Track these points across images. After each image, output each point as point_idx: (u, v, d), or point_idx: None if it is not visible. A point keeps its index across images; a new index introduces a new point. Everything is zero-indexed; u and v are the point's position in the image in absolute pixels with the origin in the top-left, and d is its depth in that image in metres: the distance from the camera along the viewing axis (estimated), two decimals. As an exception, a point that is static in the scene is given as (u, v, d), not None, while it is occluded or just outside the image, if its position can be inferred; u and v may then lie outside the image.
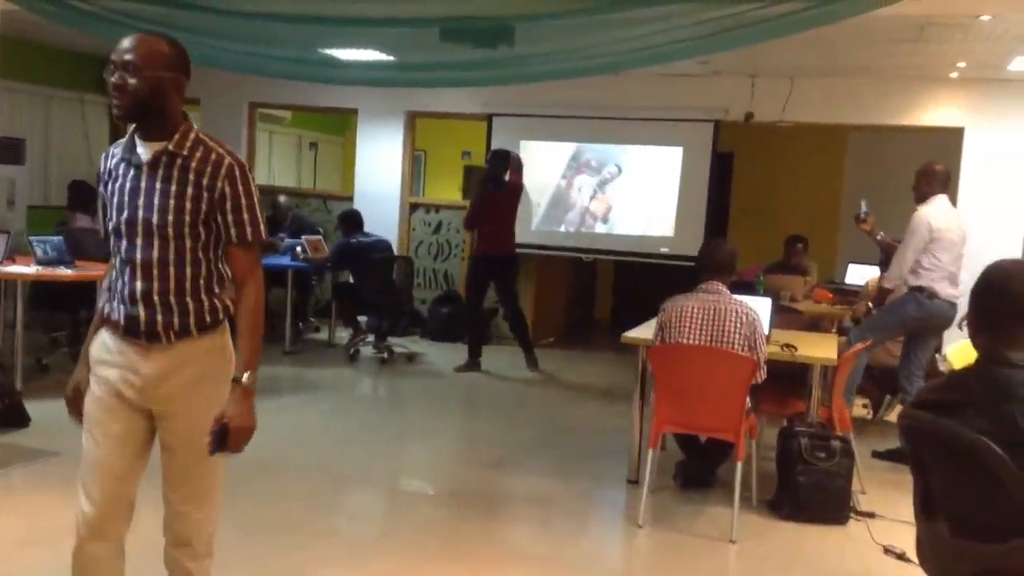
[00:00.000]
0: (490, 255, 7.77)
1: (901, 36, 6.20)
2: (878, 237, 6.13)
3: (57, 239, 6.62)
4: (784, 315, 5.87)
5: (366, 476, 5.10)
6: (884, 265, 6.29)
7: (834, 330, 6.54)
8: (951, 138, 7.91)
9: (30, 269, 6.23)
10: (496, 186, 7.78)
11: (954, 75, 7.52)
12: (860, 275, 7.98)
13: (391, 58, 5.34)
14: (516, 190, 7.93)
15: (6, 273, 6.05)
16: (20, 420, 5.27)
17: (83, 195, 8.20)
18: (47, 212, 8.86)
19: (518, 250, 8.97)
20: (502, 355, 8.75)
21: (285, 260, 8.11)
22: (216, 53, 5.11)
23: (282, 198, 9.19)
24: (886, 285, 5.70)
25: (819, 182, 10.31)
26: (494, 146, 9.02)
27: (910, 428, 2.16)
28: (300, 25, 4.64)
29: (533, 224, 8.96)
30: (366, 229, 8.07)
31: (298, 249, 8.10)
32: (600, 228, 8.84)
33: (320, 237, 8.40)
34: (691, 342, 4.38)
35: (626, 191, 8.75)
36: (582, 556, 4.09)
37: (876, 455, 5.52)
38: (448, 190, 12.50)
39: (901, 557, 3.97)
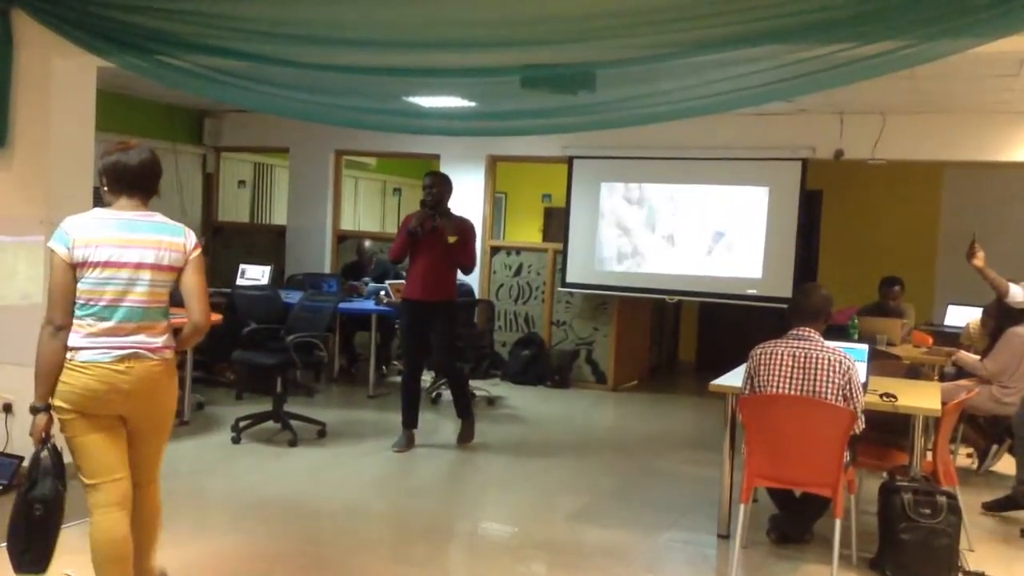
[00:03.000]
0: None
1: (999, 72, 5.98)
2: (990, 274, 5.77)
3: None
4: (881, 361, 5.63)
5: (447, 525, 5.03)
6: (993, 312, 5.96)
7: (936, 377, 6.25)
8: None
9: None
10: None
11: (1054, 109, 7.21)
12: (960, 316, 7.65)
13: (473, 104, 5.37)
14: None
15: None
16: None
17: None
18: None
19: (598, 291, 8.88)
20: (584, 398, 8.64)
21: (369, 304, 8.19)
22: (301, 105, 5.20)
23: (367, 243, 9.32)
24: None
25: (914, 220, 9.97)
26: (575, 189, 9.01)
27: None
28: (382, 76, 4.69)
29: (614, 265, 8.87)
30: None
31: (381, 293, 8.17)
32: (684, 269, 8.69)
33: (403, 281, 8.44)
34: (781, 391, 4.21)
35: (712, 231, 8.59)
36: (671, 615, 3.94)
37: (987, 508, 5.22)
38: (528, 232, 12.49)
39: (1016, 624, 3.72)
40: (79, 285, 3.17)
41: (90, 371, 3.16)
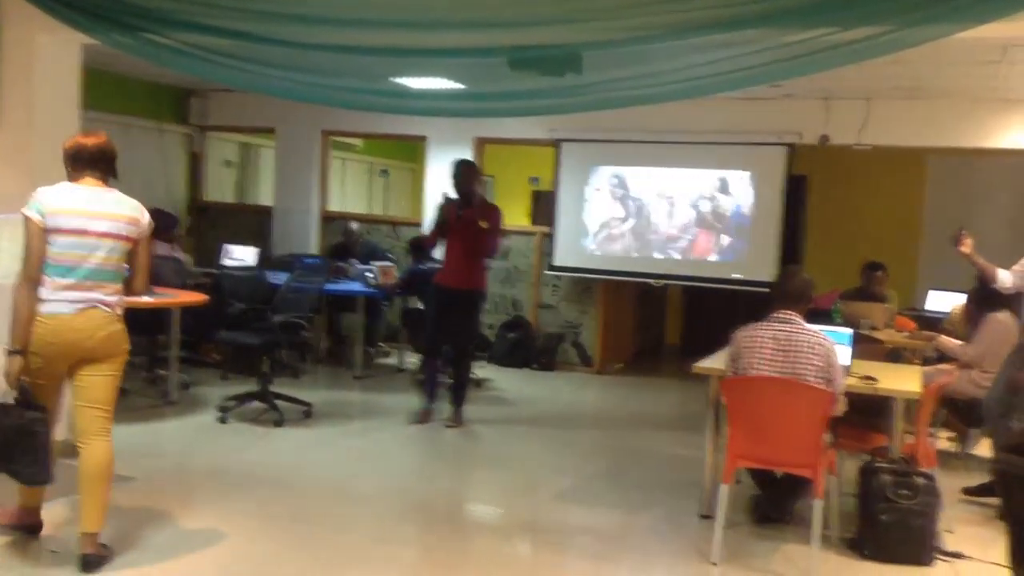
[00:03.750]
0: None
1: (983, 58, 6.01)
2: (978, 260, 5.83)
3: (135, 266, 6.78)
4: (864, 345, 5.68)
5: (432, 506, 5.07)
6: (975, 294, 6.02)
7: (918, 361, 6.30)
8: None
9: (109, 296, 6.39)
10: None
11: (1039, 96, 7.25)
12: (942, 302, 7.71)
13: (460, 86, 5.37)
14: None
15: (87, 300, 6.20)
16: (98, 444, 5.36)
17: (160, 222, 8.39)
18: (127, 239, 9.11)
19: (585, 275, 8.94)
20: (569, 381, 8.69)
21: (356, 286, 8.19)
22: (289, 85, 5.18)
23: (353, 224, 9.30)
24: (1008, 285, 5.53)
25: (898, 206, 10.04)
26: (563, 172, 9.02)
27: (1004, 473, 2.04)
28: (370, 56, 4.68)
29: (600, 249, 8.90)
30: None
31: (368, 275, 8.17)
32: (670, 253, 8.73)
33: (391, 264, 8.45)
34: (763, 373, 4.25)
35: (697, 215, 8.62)
36: (653, 594, 3.99)
37: (967, 492, 5.29)
38: (516, 215, 12.49)
39: (991, 603, 3.78)
40: (49, 248, 3.64)
41: (52, 322, 3.66)
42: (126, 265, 3.87)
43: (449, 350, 6.76)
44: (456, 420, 6.62)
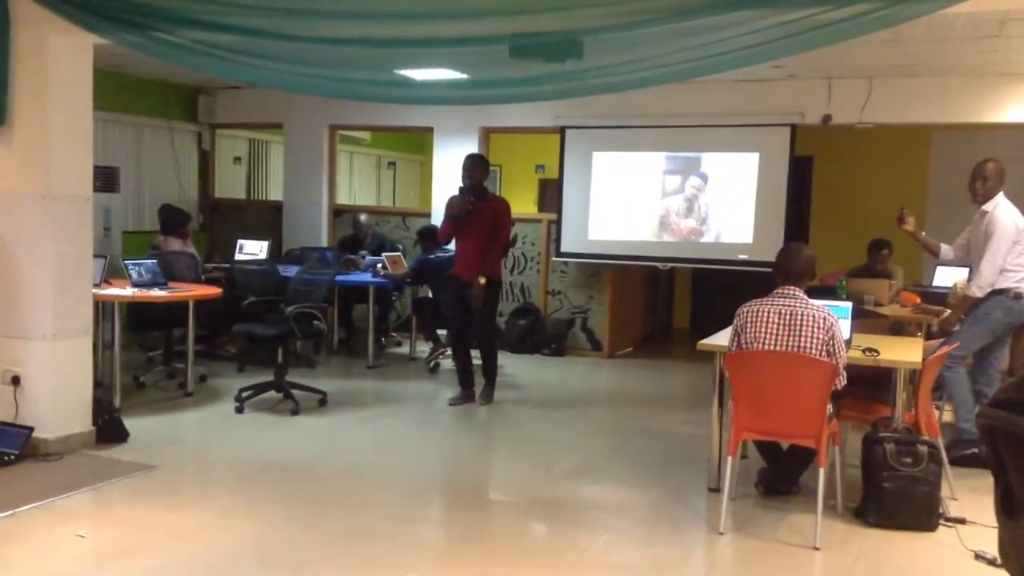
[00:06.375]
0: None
1: (981, 32, 6.06)
2: (921, 236, 5.97)
3: (151, 262, 6.93)
4: (867, 319, 5.76)
5: (446, 486, 5.18)
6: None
7: (920, 335, 6.38)
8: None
9: (126, 291, 6.53)
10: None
11: (1040, 69, 7.29)
12: (948, 277, 7.76)
13: (464, 76, 5.46)
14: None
15: (104, 295, 6.34)
16: (119, 435, 5.52)
17: (174, 219, 8.56)
18: (141, 237, 9.27)
19: (592, 260, 9.04)
20: (580, 365, 8.79)
21: (366, 277, 8.31)
22: (296, 79, 5.29)
23: (362, 217, 9.42)
24: (978, 295, 5.48)
25: (903, 183, 10.06)
26: (568, 159, 9.10)
27: (988, 427, 2.12)
28: (374, 48, 4.78)
29: (607, 234, 8.98)
30: (444, 244, 8.20)
31: (378, 266, 8.29)
32: (676, 236, 8.81)
33: (399, 253, 8.57)
34: (767, 347, 4.34)
35: (702, 198, 8.70)
36: (662, 563, 4.09)
37: (951, 461, 5.35)
38: (523, 203, 12.59)
39: (993, 563, 3.86)
40: None
41: None
42: None
43: (480, 334, 6.99)
44: (489, 396, 6.94)
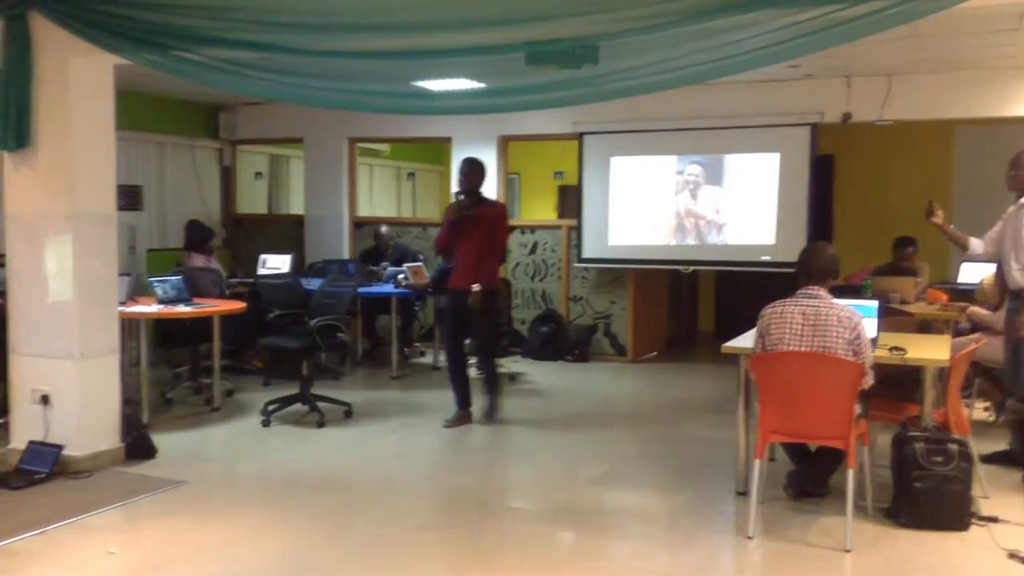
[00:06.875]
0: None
1: (999, 26, 6.01)
2: (949, 230, 5.80)
3: (176, 279, 6.98)
4: (893, 318, 5.71)
5: (473, 495, 5.18)
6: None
7: (948, 332, 6.30)
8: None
9: (151, 308, 6.59)
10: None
11: (1061, 61, 7.20)
12: (974, 273, 7.67)
13: (481, 85, 5.47)
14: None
15: (130, 313, 6.40)
16: (148, 451, 5.56)
17: (198, 235, 8.63)
18: (166, 254, 9.35)
19: (614, 265, 9.01)
20: (604, 371, 8.77)
21: (388, 287, 8.34)
22: (316, 93, 5.32)
23: (384, 228, 9.46)
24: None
25: (927, 179, 9.97)
26: (587, 165, 9.09)
27: (1019, 422, 2.10)
28: (391, 60, 4.80)
29: (628, 238, 8.96)
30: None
31: (400, 277, 8.32)
32: (698, 239, 8.78)
33: (421, 264, 8.59)
34: (792, 348, 4.31)
35: (724, 200, 8.67)
36: (691, 569, 4.05)
37: (983, 459, 5.28)
38: (543, 211, 12.60)
39: (1027, 562, 3.82)
40: None
41: None
42: None
43: (477, 348, 6.74)
44: (491, 412, 6.63)
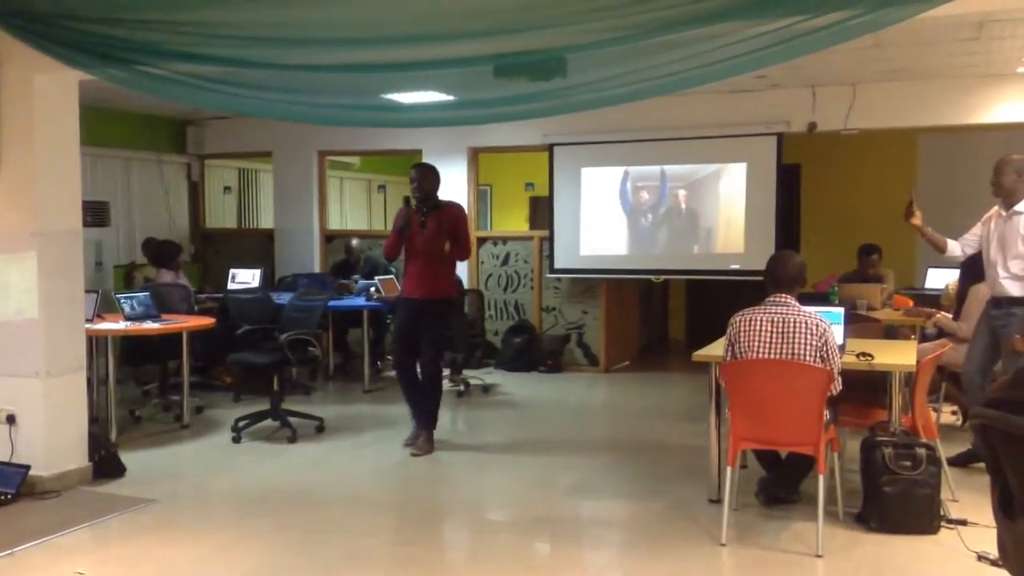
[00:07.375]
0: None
1: (960, 35, 6.12)
2: (927, 231, 5.81)
3: (143, 295, 6.91)
4: (859, 324, 5.77)
5: (447, 508, 5.16)
6: (966, 269, 6.10)
7: (914, 337, 6.39)
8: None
9: (119, 325, 6.52)
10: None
11: (1021, 70, 7.33)
12: (940, 279, 7.79)
13: (450, 97, 5.48)
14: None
15: (97, 330, 6.33)
16: (116, 470, 5.49)
17: (165, 251, 8.55)
18: (133, 270, 9.26)
19: (585, 276, 9.04)
20: (577, 381, 8.78)
21: (360, 301, 8.31)
22: (283, 106, 5.31)
23: (355, 241, 9.44)
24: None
25: (892, 187, 10.06)
26: (558, 176, 9.13)
27: (983, 427, 2.14)
28: (359, 73, 4.80)
29: (599, 248, 9.00)
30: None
31: (372, 290, 8.29)
32: (669, 249, 8.83)
33: (392, 276, 8.57)
34: (761, 355, 4.35)
35: (693, 210, 8.74)
36: (666, 577, 4.07)
37: (949, 461, 5.34)
38: (515, 222, 12.63)
39: (996, 563, 3.85)
40: None
41: None
42: None
43: (424, 359, 6.14)
44: (423, 446, 6.07)
